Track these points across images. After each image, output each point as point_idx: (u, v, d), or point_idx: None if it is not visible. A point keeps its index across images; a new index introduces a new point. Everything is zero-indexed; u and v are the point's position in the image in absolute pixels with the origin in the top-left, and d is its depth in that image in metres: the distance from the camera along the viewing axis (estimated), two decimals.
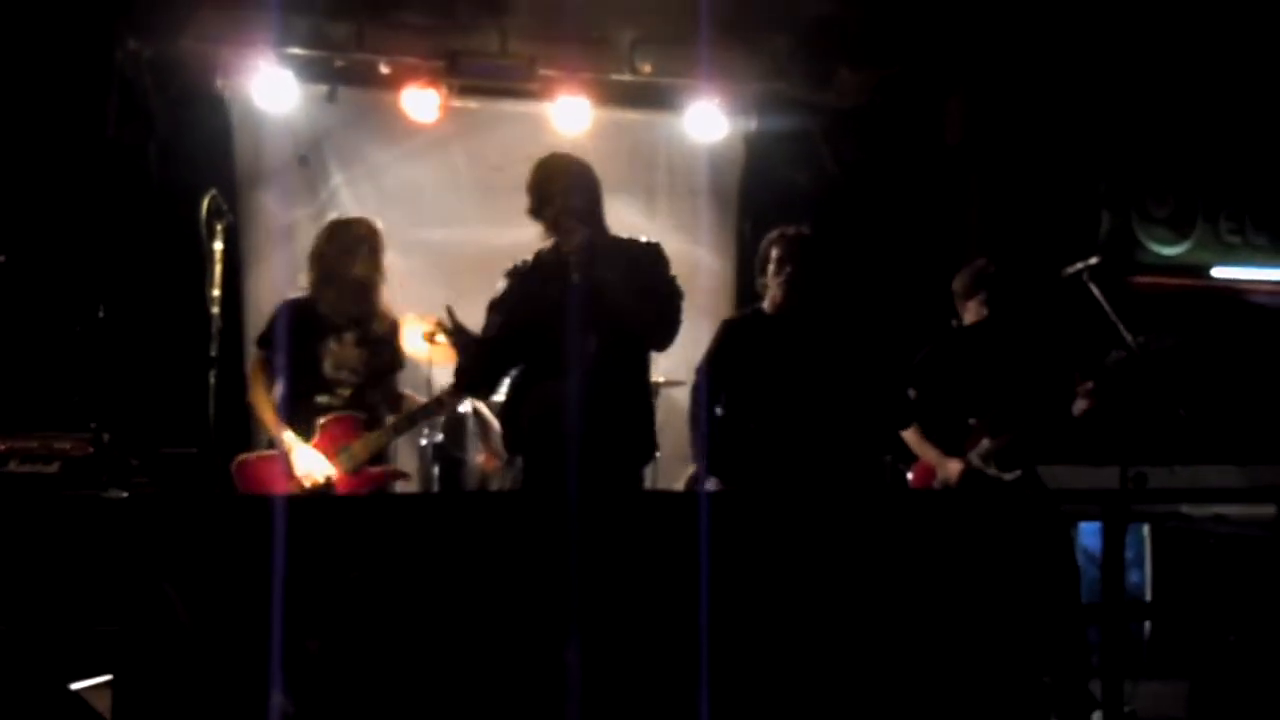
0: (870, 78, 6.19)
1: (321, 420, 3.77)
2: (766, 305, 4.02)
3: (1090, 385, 3.90)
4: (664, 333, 3.43)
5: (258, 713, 2.42)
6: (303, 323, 3.72)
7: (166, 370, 3.94)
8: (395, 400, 3.97)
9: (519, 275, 3.49)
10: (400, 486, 5.41)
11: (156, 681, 2.49)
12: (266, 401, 3.74)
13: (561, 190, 3.43)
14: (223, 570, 2.53)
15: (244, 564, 2.48)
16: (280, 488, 3.69)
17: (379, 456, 3.84)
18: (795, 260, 3.93)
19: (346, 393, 3.80)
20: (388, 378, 3.97)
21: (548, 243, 3.48)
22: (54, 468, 3.90)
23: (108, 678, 2.60)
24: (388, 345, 3.95)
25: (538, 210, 3.46)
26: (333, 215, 5.75)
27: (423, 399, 4.04)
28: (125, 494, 3.78)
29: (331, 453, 3.74)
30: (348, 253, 3.86)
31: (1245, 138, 6.44)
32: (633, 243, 3.51)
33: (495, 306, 3.49)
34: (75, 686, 2.77)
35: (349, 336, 3.83)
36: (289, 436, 3.70)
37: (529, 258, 3.51)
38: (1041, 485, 3.96)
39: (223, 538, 2.58)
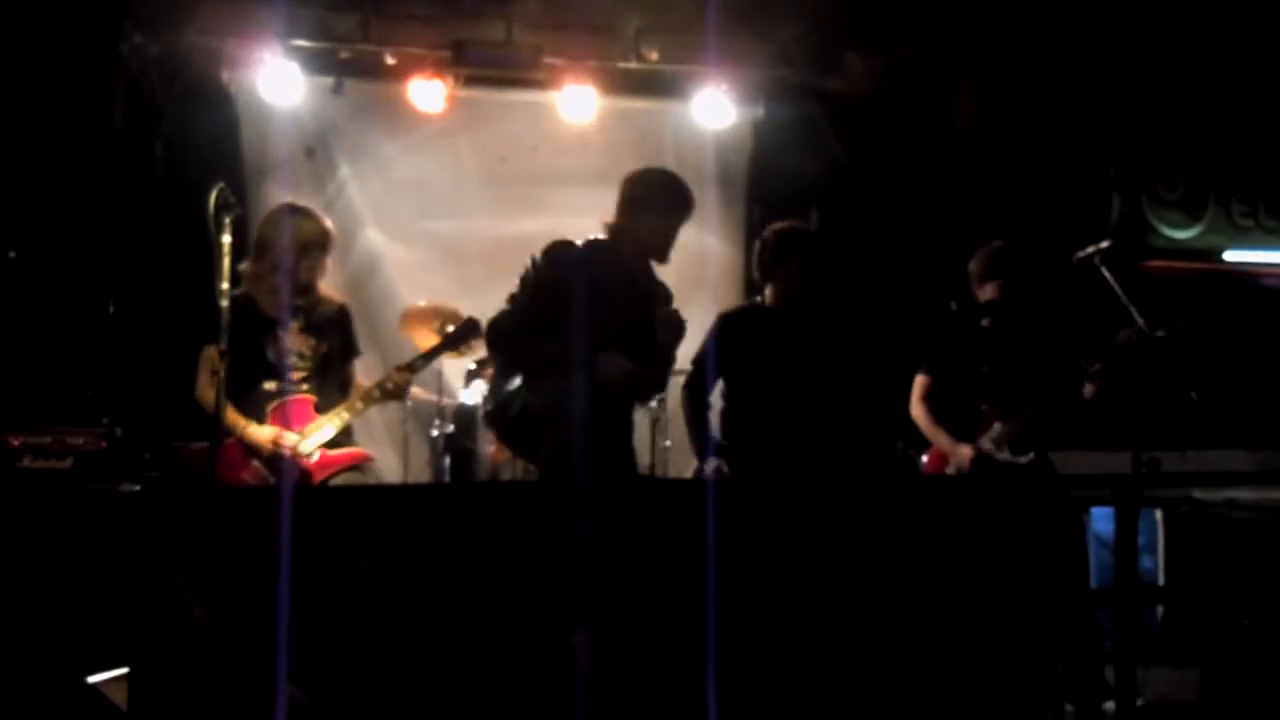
0: (878, 63, 6.17)
1: (272, 405, 3.76)
2: (768, 299, 4.02)
3: (1098, 368, 3.88)
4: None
5: (272, 703, 2.43)
6: (244, 316, 3.67)
7: (177, 364, 3.94)
8: (350, 389, 3.94)
9: (568, 260, 3.44)
10: (402, 475, 5.45)
11: (172, 673, 2.50)
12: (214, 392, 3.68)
13: (676, 209, 3.51)
14: (236, 562, 2.54)
15: (256, 556, 2.48)
16: (236, 475, 3.69)
17: (337, 441, 3.81)
18: (801, 256, 3.94)
19: (297, 378, 3.80)
20: (341, 366, 3.94)
21: (601, 236, 3.51)
22: (67, 463, 3.90)
23: (124, 670, 2.61)
24: (335, 330, 3.92)
25: (636, 203, 3.50)
26: (339, 208, 5.85)
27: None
28: (138, 488, 3.79)
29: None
30: (306, 256, 3.83)
31: (1256, 120, 6.39)
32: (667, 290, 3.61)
33: (530, 280, 3.46)
34: (92, 680, 2.77)
35: (294, 324, 3.81)
36: (242, 420, 3.70)
37: (572, 239, 3.51)
38: (1053, 469, 3.95)
39: (235, 530, 2.58)
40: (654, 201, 3.51)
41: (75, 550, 3.39)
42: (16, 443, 3.89)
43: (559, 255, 3.44)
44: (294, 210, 3.88)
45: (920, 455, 4.32)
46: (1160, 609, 4.62)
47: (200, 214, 3.41)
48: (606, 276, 3.41)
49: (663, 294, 3.58)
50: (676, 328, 3.43)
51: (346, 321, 4.00)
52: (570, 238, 3.51)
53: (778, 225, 4.06)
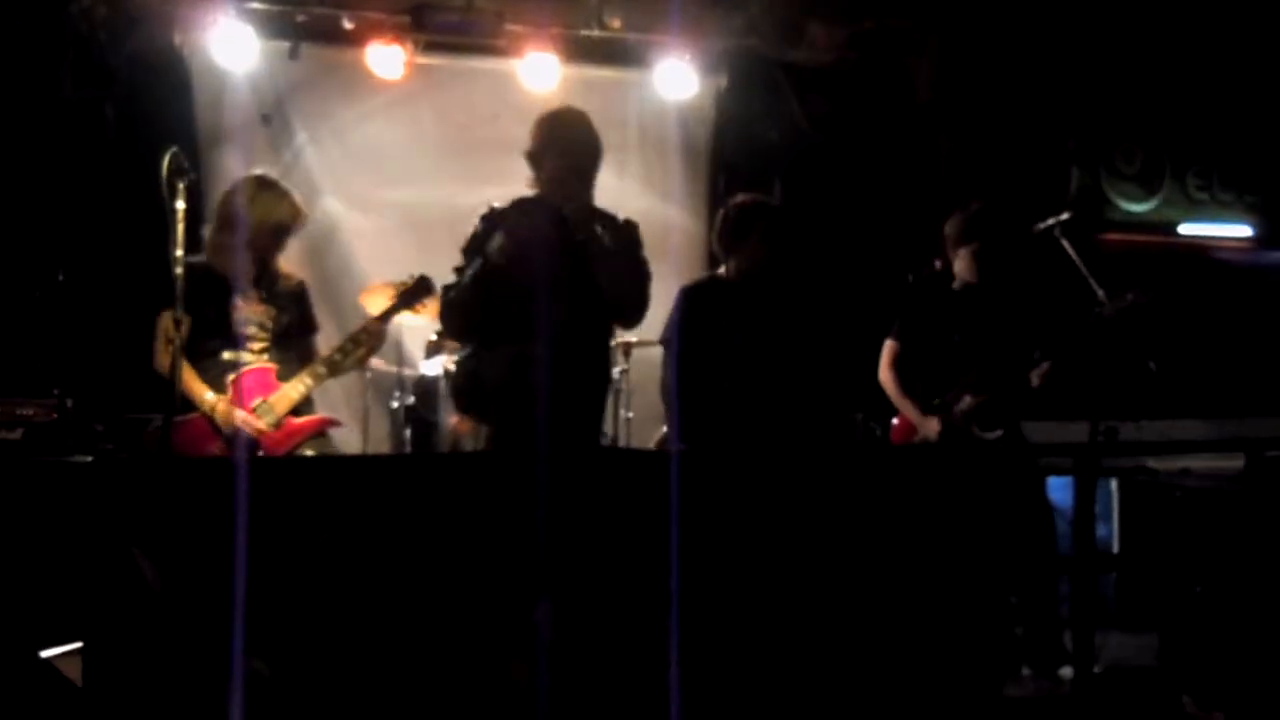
0: (841, 34, 6.15)
1: (232, 376, 3.69)
2: (729, 271, 4.02)
3: (1047, 367, 3.91)
4: (637, 312, 3.47)
5: (230, 677, 2.40)
6: (203, 282, 3.59)
7: (129, 334, 3.85)
8: (310, 363, 3.89)
9: (498, 219, 3.41)
10: (362, 447, 5.40)
11: (127, 647, 2.46)
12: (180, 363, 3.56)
13: (568, 145, 3.39)
14: (192, 534, 2.50)
15: (213, 527, 2.45)
16: (205, 449, 3.63)
17: (299, 409, 3.78)
18: (763, 229, 3.93)
19: (257, 347, 3.74)
20: (302, 339, 3.90)
21: (531, 192, 3.44)
22: (17, 434, 3.84)
23: (78, 645, 2.57)
24: (294, 303, 3.88)
25: (537, 156, 3.41)
26: (296, 176, 5.74)
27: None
28: (91, 459, 3.72)
29: (245, 408, 3.69)
30: (277, 237, 3.78)
31: (1213, 95, 6.47)
32: (613, 217, 3.49)
33: (471, 250, 3.43)
34: (45, 654, 2.73)
35: (253, 294, 3.76)
36: (210, 395, 3.63)
37: (500, 203, 3.46)
38: (1023, 441, 3.98)
39: (191, 501, 2.54)
40: (548, 144, 3.42)
41: (26, 523, 3.33)
42: None
43: (486, 223, 3.42)
44: (267, 185, 3.80)
45: (889, 421, 4.33)
46: (1115, 576, 4.70)
47: (153, 180, 3.32)
48: (536, 232, 3.33)
49: (609, 233, 3.41)
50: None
51: (305, 297, 3.96)
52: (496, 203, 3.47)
53: (739, 198, 4.04)
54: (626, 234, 3.47)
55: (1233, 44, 6.29)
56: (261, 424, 3.66)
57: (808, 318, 4.11)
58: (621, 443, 5.24)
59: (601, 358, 3.61)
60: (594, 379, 3.55)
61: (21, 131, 5.18)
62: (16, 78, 5.18)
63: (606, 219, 3.46)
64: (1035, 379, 3.93)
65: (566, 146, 3.39)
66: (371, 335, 3.84)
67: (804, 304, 4.13)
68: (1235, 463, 4.17)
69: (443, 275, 3.69)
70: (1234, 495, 3.96)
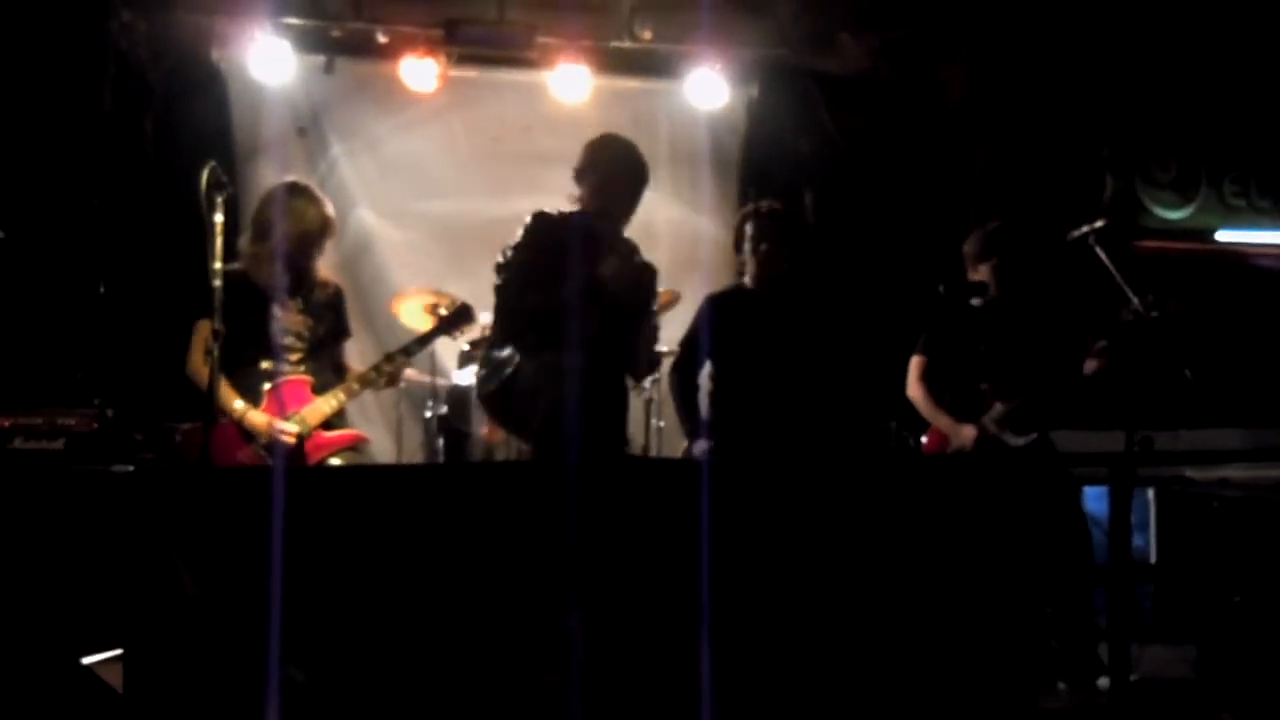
0: (872, 43, 6.14)
1: (268, 385, 3.74)
2: (748, 280, 4.05)
3: (1103, 344, 3.88)
4: (645, 369, 3.82)
5: (268, 683, 2.43)
6: (240, 292, 3.63)
7: (169, 344, 3.91)
8: (341, 370, 3.96)
9: (548, 226, 3.52)
10: (395, 456, 5.43)
11: (167, 654, 2.49)
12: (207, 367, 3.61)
13: (601, 170, 3.56)
14: (230, 542, 2.53)
15: (251, 536, 2.48)
16: (232, 456, 3.67)
17: (331, 423, 3.82)
18: (770, 235, 3.97)
19: (294, 358, 3.79)
20: (333, 346, 3.95)
21: (573, 205, 3.58)
22: (59, 444, 3.89)
23: (119, 651, 2.61)
24: (330, 312, 3.93)
25: (580, 175, 3.58)
26: (331, 188, 5.80)
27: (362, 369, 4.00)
28: (131, 469, 3.77)
29: (280, 418, 3.73)
30: (308, 243, 3.82)
31: (1249, 101, 6.39)
32: (634, 253, 3.63)
33: (522, 248, 3.52)
34: (87, 661, 2.77)
35: (292, 304, 3.81)
36: (240, 404, 3.68)
37: (551, 210, 3.57)
38: (1054, 449, 3.96)
39: (229, 510, 2.58)
40: (587, 166, 3.59)
41: (68, 532, 3.38)
42: (7, 424, 3.87)
43: (539, 225, 3.52)
44: (298, 192, 3.85)
45: (920, 436, 4.31)
46: (1152, 587, 4.64)
47: (191, 193, 3.37)
48: (580, 246, 3.45)
49: (625, 264, 3.59)
50: (625, 276, 3.49)
51: (340, 303, 4.02)
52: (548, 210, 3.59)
53: (751, 206, 4.16)
54: (636, 279, 3.57)
55: (1269, 50, 6.22)
56: (290, 432, 3.70)
57: (832, 324, 4.12)
58: (652, 452, 5.24)
59: (618, 372, 3.66)
60: (614, 391, 3.60)
61: (62, 145, 5.27)
62: (57, 93, 5.27)
63: (628, 248, 3.60)
64: (1090, 365, 3.89)
65: (600, 171, 3.56)
66: (394, 372, 3.90)
67: (828, 311, 4.14)
68: (1274, 472, 4.12)
69: (474, 284, 3.74)
70: (1273, 505, 3.91)
